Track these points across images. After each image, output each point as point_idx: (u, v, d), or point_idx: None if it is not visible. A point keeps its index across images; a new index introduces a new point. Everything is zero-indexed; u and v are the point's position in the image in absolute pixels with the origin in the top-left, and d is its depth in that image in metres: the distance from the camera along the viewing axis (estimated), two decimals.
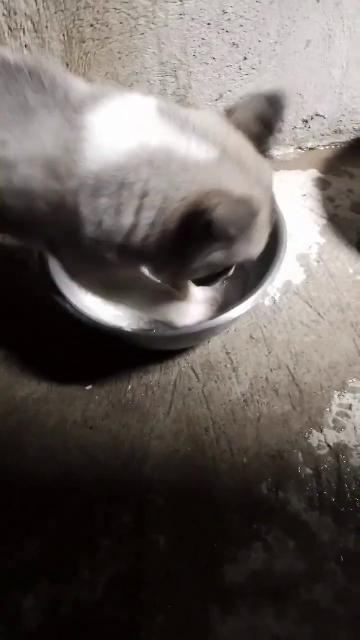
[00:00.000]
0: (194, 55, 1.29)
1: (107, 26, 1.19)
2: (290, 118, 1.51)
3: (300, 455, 0.98)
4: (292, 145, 1.59)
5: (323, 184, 1.49)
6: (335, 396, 1.06)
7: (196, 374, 1.10)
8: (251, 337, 1.15)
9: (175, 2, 1.18)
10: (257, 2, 1.23)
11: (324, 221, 1.39)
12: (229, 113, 0.81)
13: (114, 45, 1.23)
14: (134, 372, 1.11)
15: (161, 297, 1.02)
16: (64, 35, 1.19)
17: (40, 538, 0.91)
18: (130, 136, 0.73)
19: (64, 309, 0.98)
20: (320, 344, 1.14)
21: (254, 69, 1.36)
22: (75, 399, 1.08)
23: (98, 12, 1.16)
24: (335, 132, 1.59)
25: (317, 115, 1.52)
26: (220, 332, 1.16)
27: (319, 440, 1.00)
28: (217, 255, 0.78)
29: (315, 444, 0.99)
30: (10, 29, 1.15)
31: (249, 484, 0.95)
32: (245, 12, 1.24)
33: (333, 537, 0.89)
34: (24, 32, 1.17)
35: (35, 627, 0.83)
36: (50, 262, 1.02)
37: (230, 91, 1.39)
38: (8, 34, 1.16)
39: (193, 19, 1.22)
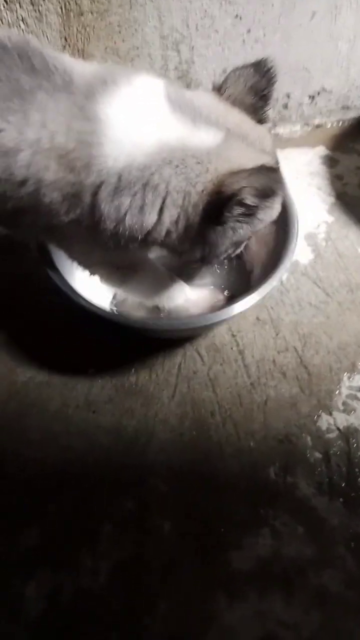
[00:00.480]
0: (196, 28, 1.25)
1: None
2: (296, 93, 1.47)
3: (308, 438, 0.95)
4: (299, 122, 1.55)
5: (331, 162, 1.46)
6: (345, 378, 1.03)
7: (201, 357, 1.07)
8: (257, 318, 1.12)
9: None
10: None
11: (331, 199, 1.36)
12: (220, 89, 0.81)
13: (113, 18, 1.19)
14: (137, 355, 1.08)
15: (168, 285, 1.02)
16: (61, 8, 1.15)
17: (41, 524, 0.89)
18: (150, 135, 0.72)
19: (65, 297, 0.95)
20: (329, 325, 1.10)
21: (257, 42, 1.31)
22: (77, 382, 1.05)
23: None
24: (343, 107, 1.54)
25: (323, 90, 1.47)
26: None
27: (328, 424, 0.97)
28: (242, 232, 0.79)
29: (324, 427, 0.96)
30: (6, 2, 1.12)
31: (256, 468, 0.93)
32: None
33: (343, 522, 0.86)
34: (20, 5, 1.13)
35: (37, 614, 0.81)
36: (52, 252, 1.00)
37: (234, 65, 1.34)
38: (4, 7, 1.12)
39: None
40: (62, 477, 0.94)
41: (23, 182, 0.74)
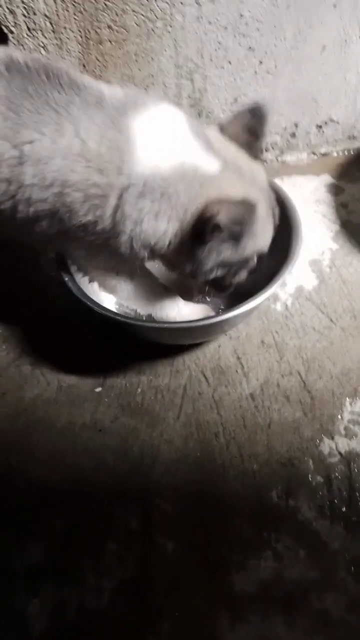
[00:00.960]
0: (210, 59, 1.29)
1: (125, 28, 1.19)
2: (304, 123, 1.50)
3: (311, 462, 0.97)
4: (305, 150, 1.58)
5: (336, 190, 1.49)
6: (347, 403, 1.04)
7: (206, 378, 1.09)
8: (262, 342, 1.15)
9: (192, 5, 1.18)
10: (273, 6, 1.22)
11: (336, 227, 1.39)
12: (222, 128, 0.93)
13: (131, 47, 1.23)
14: (143, 375, 1.10)
15: (161, 296, 1.08)
16: (81, 36, 1.19)
17: (45, 541, 0.90)
18: (174, 151, 0.83)
19: (76, 304, 0.99)
20: (332, 350, 1.12)
21: (269, 73, 1.35)
22: (84, 400, 1.07)
23: (116, 14, 1.16)
24: (349, 137, 1.58)
25: (331, 120, 1.51)
26: (229, 329, 1.17)
27: (330, 448, 0.98)
28: (227, 254, 0.88)
29: (326, 452, 0.98)
30: (29, 28, 1.15)
31: (259, 491, 0.94)
32: (262, 16, 1.23)
33: (344, 546, 0.87)
34: (42, 33, 1.17)
35: (41, 631, 0.82)
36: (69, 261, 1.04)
37: (245, 95, 1.38)
38: (27, 34, 1.16)
39: (210, 22, 1.22)
40: (68, 495, 0.95)
41: (50, 185, 0.81)
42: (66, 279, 1.02)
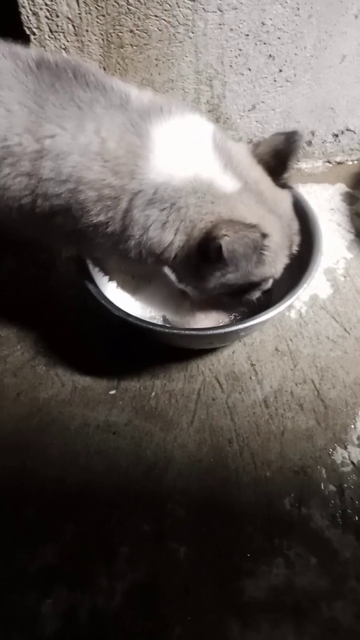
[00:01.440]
0: (230, 65, 1.29)
1: (147, 33, 1.19)
2: (321, 131, 1.51)
3: (323, 471, 0.97)
4: (321, 159, 1.59)
5: (351, 199, 1.49)
6: None
7: (220, 384, 1.10)
8: (276, 349, 1.15)
9: (215, 12, 1.18)
10: (295, 15, 1.23)
11: (351, 236, 1.39)
12: (255, 146, 0.89)
13: (152, 52, 1.23)
14: (157, 379, 1.11)
15: (176, 300, 1.08)
16: (103, 40, 1.19)
17: (58, 543, 0.91)
18: (190, 163, 0.81)
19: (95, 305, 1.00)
20: (346, 360, 1.13)
21: (288, 81, 1.36)
22: (98, 403, 1.08)
23: (139, 18, 1.16)
24: None
25: (347, 129, 1.51)
26: (244, 337, 1.17)
27: (343, 457, 0.99)
28: (231, 277, 0.85)
29: (339, 461, 0.98)
30: (51, 30, 1.16)
31: (271, 498, 0.94)
32: (283, 25, 1.24)
33: (355, 555, 0.88)
34: (64, 35, 1.17)
35: (53, 632, 0.82)
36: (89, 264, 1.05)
37: (263, 102, 1.39)
38: (49, 36, 1.17)
39: (231, 30, 1.22)
40: (81, 497, 0.96)
41: (66, 180, 0.81)
42: (87, 283, 1.02)
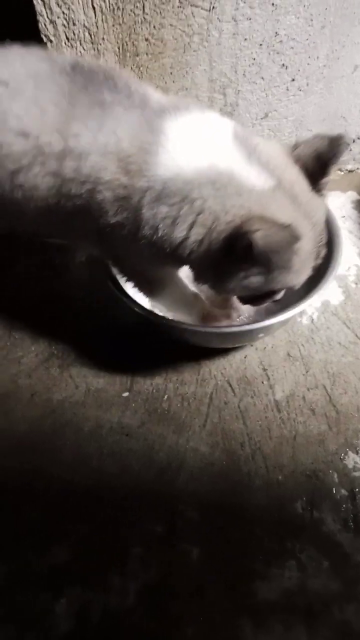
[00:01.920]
0: (244, 74, 1.31)
1: (162, 41, 1.21)
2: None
3: (335, 475, 0.98)
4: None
5: None
6: None
7: (232, 388, 1.11)
8: (288, 354, 1.16)
9: (229, 22, 1.20)
10: (309, 25, 1.24)
11: None
12: (294, 146, 0.85)
13: (166, 60, 1.25)
14: (170, 383, 1.12)
15: (189, 304, 1.09)
16: (118, 48, 1.21)
17: (71, 543, 0.92)
18: (204, 154, 0.78)
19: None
20: (358, 366, 1.13)
21: (300, 90, 1.37)
22: (111, 405, 1.09)
23: (154, 27, 1.18)
24: None
25: (359, 138, 1.53)
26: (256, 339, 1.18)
27: (355, 462, 0.99)
28: (254, 279, 0.82)
29: (350, 465, 0.99)
30: (67, 38, 1.18)
31: (284, 502, 0.95)
32: (297, 35, 1.25)
33: None
34: (80, 43, 1.19)
35: (66, 631, 0.83)
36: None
37: (275, 110, 1.40)
38: (65, 43, 1.19)
39: (245, 39, 1.24)
40: (93, 498, 0.97)
41: (85, 181, 0.81)
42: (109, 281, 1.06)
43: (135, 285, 1.03)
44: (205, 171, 0.77)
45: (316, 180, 0.84)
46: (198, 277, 0.93)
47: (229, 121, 0.85)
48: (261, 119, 1.42)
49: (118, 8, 1.13)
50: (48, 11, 1.13)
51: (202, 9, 1.16)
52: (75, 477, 0.99)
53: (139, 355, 1.16)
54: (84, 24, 1.16)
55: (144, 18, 1.17)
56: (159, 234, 0.81)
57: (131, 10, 1.14)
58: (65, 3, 1.10)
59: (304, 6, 1.21)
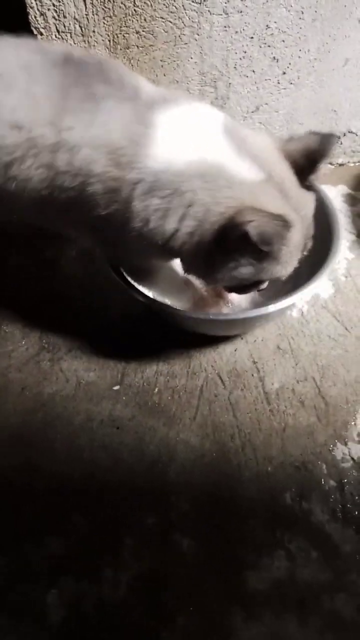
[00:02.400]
0: (235, 67, 1.31)
1: (153, 34, 1.21)
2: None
3: (324, 467, 0.99)
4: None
5: (352, 200, 1.51)
6: None
7: (222, 381, 1.11)
8: (278, 347, 1.17)
9: (220, 15, 1.20)
10: (300, 19, 1.24)
11: (352, 237, 1.41)
12: (285, 141, 0.87)
13: (157, 53, 1.25)
14: (161, 376, 1.12)
15: (179, 289, 1.10)
16: (109, 41, 1.21)
17: (64, 535, 0.93)
18: (194, 146, 0.79)
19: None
20: (347, 358, 1.15)
21: (291, 83, 1.37)
22: (102, 398, 1.09)
23: (145, 20, 1.18)
24: None
25: (349, 132, 1.53)
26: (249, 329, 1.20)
27: (343, 453, 1.01)
28: (243, 270, 0.84)
29: (339, 457, 1.00)
30: (58, 31, 1.17)
31: (273, 493, 0.96)
32: (287, 28, 1.25)
33: (355, 549, 0.90)
34: (70, 35, 1.19)
35: (59, 621, 0.84)
36: None
37: (266, 104, 1.40)
38: (55, 36, 1.18)
39: (236, 32, 1.24)
40: (86, 490, 0.97)
41: (77, 174, 0.82)
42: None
43: (125, 272, 1.03)
44: (195, 164, 0.79)
45: (305, 176, 0.86)
46: (188, 268, 0.95)
47: (219, 113, 0.86)
48: (252, 112, 1.42)
49: (109, 0, 1.12)
50: (38, 3, 1.12)
51: (193, 1, 1.16)
52: (67, 469, 1.00)
53: (130, 348, 1.16)
54: (74, 17, 1.16)
55: (135, 11, 1.16)
56: (150, 226, 0.82)
57: (122, 3, 1.14)
58: None
59: None
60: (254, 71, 1.33)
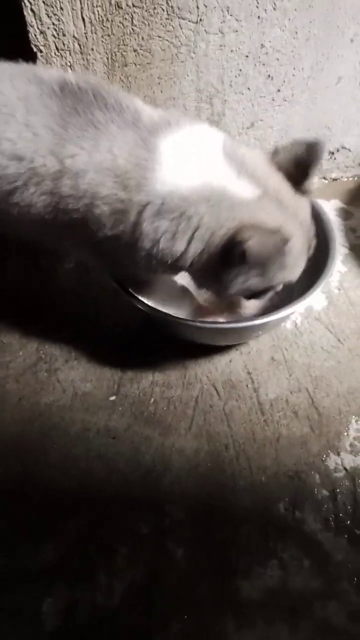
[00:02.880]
0: (230, 85, 1.34)
1: (150, 52, 1.24)
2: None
3: (317, 476, 1.00)
4: (317, 175, 1.63)
5: (345, 214, 1.53)
6: (353, 421, 1.08)
7: (217, 392, 1.13)
8: (272, 358, 1.18)
9: (216, 34, 1.23)
10: (294, 38, 1.28)
11: (345, 250, 1.43)
12: (273, 154, 0.90)
13: (154, 71, 1.27)
14: (156, 386, 1.14)
15: (179, 298, 1.12)
16: (107, 58, 1.24)
17: (58, 542, 0.93)
18: (197, 171, 0.83)
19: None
20: (340, 370, 1.16)
21: (286, 100, 1.40)
22: (98, 408, 1.11)
23: (142, 38, 1.21)
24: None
25: (343, 147, 1.56)
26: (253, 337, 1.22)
27: (336, 463, 1.02)
28: (252, 282, 0.88)
29: (332, 467, 1.01)
30: (57, 48, 1.20)
31: (267, 502, 0.97)
32: (282, 47, 1.29)
33: (347, 558, 0.90)
34: (69, 53, 1.21)
35: (53, 629, 0.84)
36: None
37: (261, 120, 1.43)
38: (55, 53, 1.21)
39: (232, 51, 1.27)
40: (81, 499, 0.98)
41: (83, 196, 0.84)
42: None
43: (124, 282, 1.06)
44: (200, 189, 0.82)
45: (299, 184, 0.89)
46: (200, 285, 1.00)
47: (219, 134, 0.90)
48: (247, 128, 1.45)
49: (107, 20, 1.15)
50: (38, 22, 1.15)
51: (189, 21, 1.19)
52: (62, 478, 1.01)
53: (126, 359, 1.18)
54: (73, 35, 1.19)
55: (133, 30, 1.19)
56: (160, 247, 0.86)
57: (120, 22, 1.17)
58: (55, 14, 1.12)
59: (289, 19, 1.24)
60: (249, 88, 1.36)
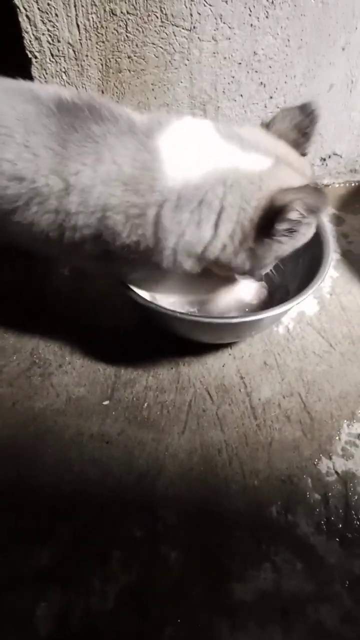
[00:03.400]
0: (223, 91, 1.35)
1: (144, 59, 1.25)
2: (309, 155, 1.56)
3: (309, 480, 1.01)
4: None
5: (337, 220, 1.55)
6: (345, 425, 1.09)
7: (210, 396, 1.14)
8: (265, 363, 1.19)
9: (209, 41, 1.24)
10: (286, 46, 1.29)
11: (337, 256, 1.44)
12: (268, 126, 0.95)
13: (148, 77, 1.29)
14: (150, 391, 1.14)
15: (191, 284, 1.11)
16: (102, 64, 1.25)
17: (53, 547, 0.93)
18: (204, 159, 0.85)
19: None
20: (331, 374, 1.17)
21: (278, 107, 1.42)
22: (92, 413, 1.11)
23: (137, 45, 1.22)
24: (351, 171, 1.65)
25: (334, 154, 1.58)
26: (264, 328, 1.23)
27: (328, 467, 1.03)
28: (286, 247, 0.92)
29: (324, 471, 1.02)
30: (52, 54, 1.21)
31: (259, 506, 0.98)
32: (274, 55, 1.30)
33: (339, 561, 0.91)
34: (64, 59, 1.22)
35: (46, 633, 0.84)
36: None
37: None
38: (50, 59, 1.22)
39: (225, 58, 1.28)
40: (75, 503, 0.98)
41: (94, 211, 0.86)
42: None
43: (135, 285, 1.05)
44: (211, 173, 0.85)
45: (300, 146, 0.95)
46: (235, 270, 0.99)
47: (205, 120, 0.92)
48: None
49: (102, 26, 1.16)
50: (33, 28, 1.16)
51: (183, 28, 1.20)
52: (56, 482, 1.01)
53: (120, 364, 1.18)
54: (68, 42, 1.20)
55: (127, 36, 1.20)
56: (186, 239, 0.88)
57: (114, 29, 1.18)
58: (50, 21, 1.13)
59: (282, 27, 1.25)
60: (241, 95, 1.37)
